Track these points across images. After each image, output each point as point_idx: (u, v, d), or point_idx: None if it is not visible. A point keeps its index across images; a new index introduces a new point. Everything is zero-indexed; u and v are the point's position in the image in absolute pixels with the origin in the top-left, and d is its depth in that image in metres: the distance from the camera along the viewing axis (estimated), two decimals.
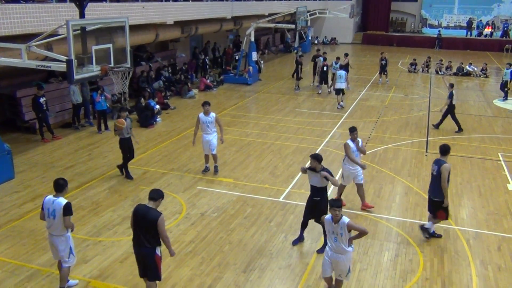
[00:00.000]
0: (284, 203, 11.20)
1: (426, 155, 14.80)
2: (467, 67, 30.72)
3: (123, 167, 12.56)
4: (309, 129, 17.47)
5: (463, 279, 8.40)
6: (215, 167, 12.85)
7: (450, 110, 17.39)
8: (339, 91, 20.73)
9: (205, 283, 8.07)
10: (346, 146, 10.61)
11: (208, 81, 24.60)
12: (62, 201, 7.28)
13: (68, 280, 7.75)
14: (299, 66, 24.37)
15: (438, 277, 8.42)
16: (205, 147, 12.71)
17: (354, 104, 21.75)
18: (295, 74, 25.27)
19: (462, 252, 9.28)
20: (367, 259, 8.92)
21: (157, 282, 7.27)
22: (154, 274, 7.11)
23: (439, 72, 30.76)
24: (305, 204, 11.29)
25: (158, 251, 7.01)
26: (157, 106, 18.67)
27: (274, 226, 10.09)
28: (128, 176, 12.43)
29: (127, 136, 12.22)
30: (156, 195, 7.01)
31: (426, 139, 16.56)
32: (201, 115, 12.43)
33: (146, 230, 6.85)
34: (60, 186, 7.34)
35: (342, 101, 20.96)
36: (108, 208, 10.76)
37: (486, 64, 31.02)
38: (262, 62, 30.05)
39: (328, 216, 7.28)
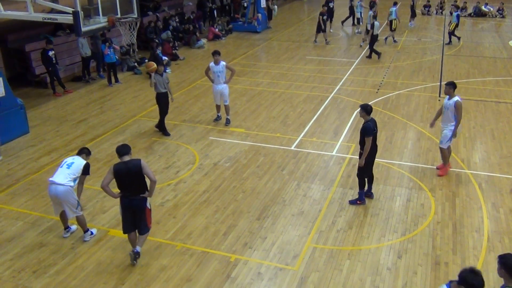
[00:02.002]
0: (296, 152, 11.27)
1: (439, 100, 14.62)
2: (483, 7, 29.75)
3: (161, 125, 12.17)
4: (320, 77, 17.27)
5: (474, 222, 8.50)
6: (227, 119, 12.85)
7: (375, 39, 19.69)
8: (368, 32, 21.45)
9: (220, 230, 8.28)
10: None
11: (217, 30, 24.18)
12: (83, 161, 7.79)
13: (71, 227, 8.17)
14: (321, 17, 21.97)
15: (450, 220, 8.53)
16: (216, 97, 12.70)
17: (365, 49, 21.34)
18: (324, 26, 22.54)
19: (474, 196, 9.34)
20: (379, 204, 9.04)
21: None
22: (144, 226, 7.27)
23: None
24: (316, 152, 11.39)
25: (147, 204, 7.18)
26: (165, 58, 18.50)
27: (287, 174, 10.20)
28: (166, 133, 12.14)
29: (163, 90, 11.79)
30: (127, 150, 7.08)
31: (439, 83, 16.31)
32: (212, 64, 12.35)
33: (135, 181, 6.97)
34: (80, 151, 8.00)
35: (364, 40, 21.92)
36: None
37: (503, 4, 29.98)
38: (276, 7, 28.98)
39: None
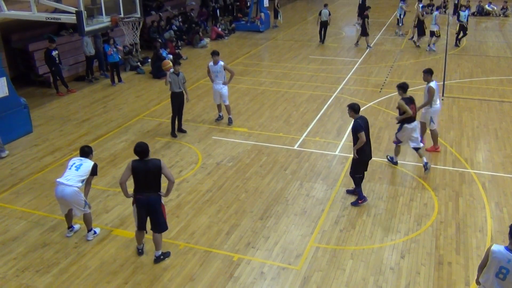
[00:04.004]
0: (299, 151, 11.26)
1: (442, 99, 14.58)
2: (486, 6, 29.65)
3: (173, 126, 12.08)
4: (323, 76, 17.25)
5: (478, 221, 8.48)
6: (229, 118, 12.85)
7: (322, 25, 22.12)
8: (432, 33, 20.76)
9: (223, 230, 8.28)
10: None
11: (220, 29, 24.19)
12: (91, 162, 7.82)
13: (74, 226, 8.26)
14: (366, 20, 21.19)
15: (453, 220, 8.51)
16: (215, 97, 12.73)
17: (368, 49, 21.28)
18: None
19: (478, 195, 9.32)
20: (382, 204, 9.03)
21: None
22: (162, 225, 7.27)
23: None
24: (319, 151, 11.37)
25: (162, 200, 7.23)
26: (170, 56, 18.49)
27: (289, 174, 10.19)
28: (173, 134, 12.08)
29: (178, 90, 11.68)
30: (147, 152, 7.03)
31: (443, 82, 16.27)
32: (211, 64, 12.41)
33: (152, 180, 6.98)
34: (85, 153, 7.90)
35: (433, 43, 20.91)
36: (126, 159, 10.92)
37: (506, 2, 29.88)
38: (280, 12, 28.03)
39: (499, 247, 5.22)
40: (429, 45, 20.84)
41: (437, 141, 11.10)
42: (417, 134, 10.01)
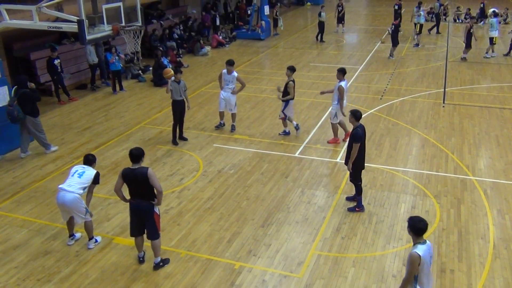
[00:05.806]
0: (300, 158, 11.26)
1: (443, 106, 14.60)
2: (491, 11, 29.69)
3: (175, 134, 12.09)
4: (324, 84, 17.26)
5: (480, 228, 8.45)
6: (232, 125, 12.87)
7: (320, 26, 24.29)
8: (492, 40, 20.61)
9: (225, 237, 8.27)
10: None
11: (220, 37, 24.27)
12: (94, 170, 7.85)
13: (76, 234, 8.27)
14: (398, 28, 20.55)
15: (455, 227, 8.49)
16: (221, 104, 12.75)
17: (369, 56, 21.35)
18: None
19: (479, 202, 9.29)
20: (383, 211, 9.01)
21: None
22: (153, 233, 7.26)
23: (457, 20, 29.90)
24: (320, 158, 11.36)
25: (156, 209, 7.19)
26: (169, 66, 18.55)
27: (291, 181, 10.18)
28: (174, 142, 12.08)
29: (179, 98, 11.70)
30: (138, 158, 7.09)
31: (443, 90, 16.29)
32: (224, 71, 12.49)
33: (142, 188, 7.01)
34: (88, 161, 7.94)
35: (493, 51, 20.88)
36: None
37: (507, 9, 29.94)
38: (281, 18, 28.13)
39: (420, 249, 5.37)
40: (487, 52, 20.84)
41: (337, 134, 11.98)
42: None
